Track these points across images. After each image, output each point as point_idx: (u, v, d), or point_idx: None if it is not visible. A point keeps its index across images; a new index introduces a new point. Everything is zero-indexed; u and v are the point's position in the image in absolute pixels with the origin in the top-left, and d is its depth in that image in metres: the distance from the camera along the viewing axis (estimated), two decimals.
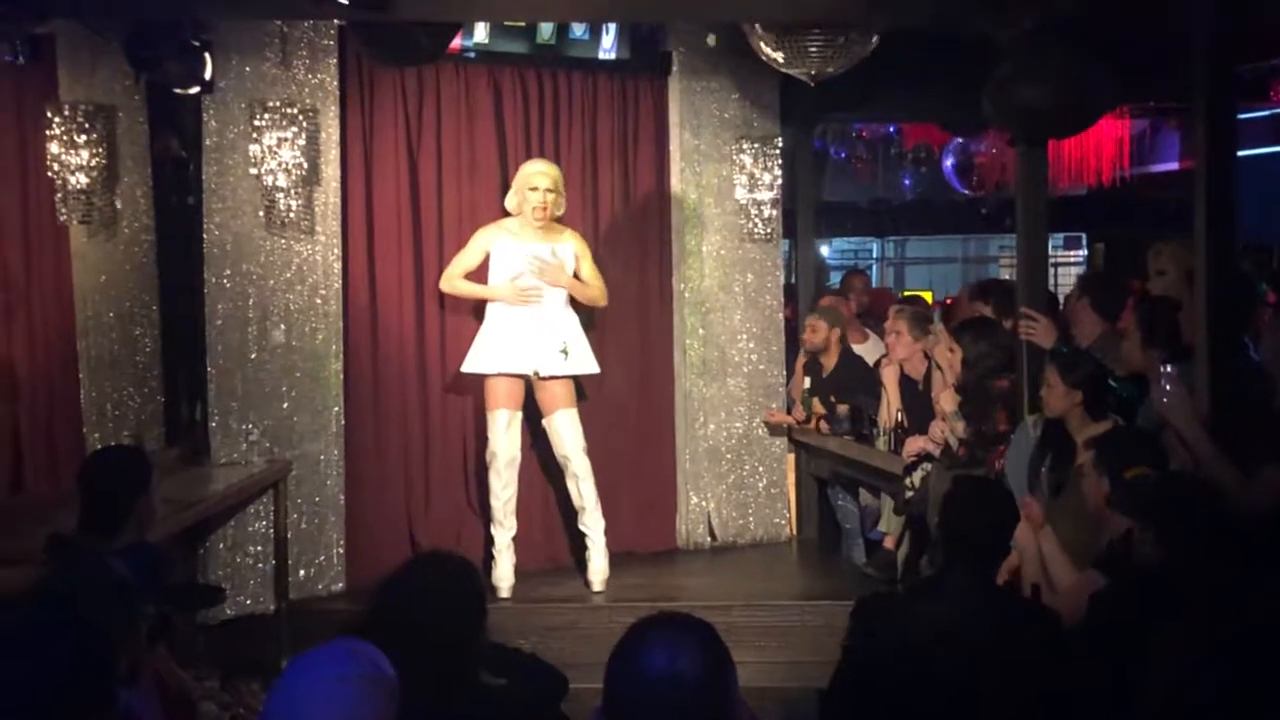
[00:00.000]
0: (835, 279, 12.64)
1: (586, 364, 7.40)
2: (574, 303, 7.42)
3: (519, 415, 7.30)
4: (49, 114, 6.70)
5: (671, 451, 8.35)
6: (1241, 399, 4.92)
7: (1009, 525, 4.16)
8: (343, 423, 7.48)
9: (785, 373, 8.62)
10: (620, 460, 7.99)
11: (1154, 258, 5.82)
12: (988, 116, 6.34)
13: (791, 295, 9.29)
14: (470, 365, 7.31)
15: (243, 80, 7.17)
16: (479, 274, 7.42)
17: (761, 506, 8.48)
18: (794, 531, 8.60)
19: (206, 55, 6.71)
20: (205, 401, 7.27)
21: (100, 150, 6.76)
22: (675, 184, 8.29)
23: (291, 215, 7.16)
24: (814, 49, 6.20)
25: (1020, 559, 4.75)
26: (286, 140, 7.06)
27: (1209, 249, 5.07)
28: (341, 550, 7.45)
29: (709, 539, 8.36)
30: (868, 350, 8.56)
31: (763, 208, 8.30)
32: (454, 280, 7.44)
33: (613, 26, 8.00)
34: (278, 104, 7.08)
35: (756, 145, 8.26)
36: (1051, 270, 9.26)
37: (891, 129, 14.64)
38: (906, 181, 15.43)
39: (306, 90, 7.28)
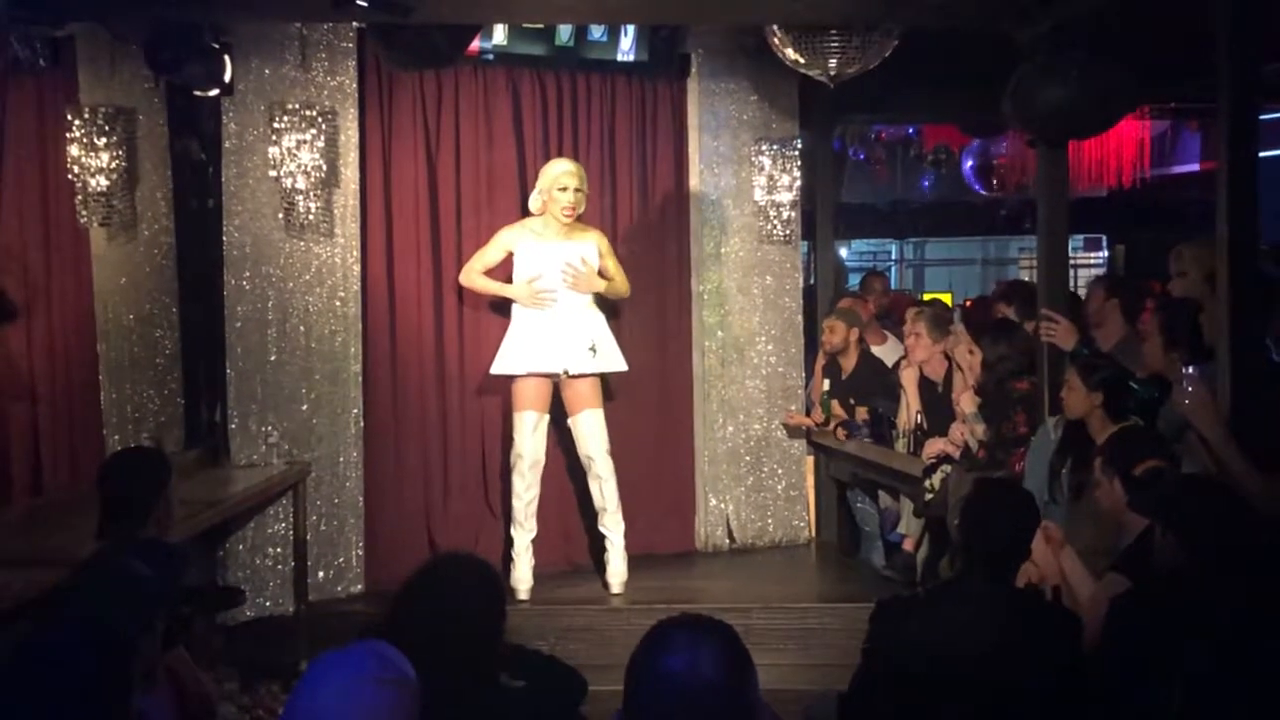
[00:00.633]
0: (854, 281, 12.62)
1: (615, 361, 7.39)
2: (598, 299, 7.42)
3: (546, 418, 7.29)
4: (69, 117, 6.73)
5: (690, 454, 8.34)
6: (1263, 401, 4.89)
7: (1030, 527, 4.14)
8: (362, 425, 7.49)
9: (804, 374, 8.60)
10: (639, 462, 7.98)
11: (1175, 259, 5.78)
12: (1008, 117, 6.32)
13: (811, 297, 9.28)
14: (499, 367, 7.30)
15: (262, 82, 7.18)
16: (500, 273, 7.42)
17: (780, 509, 8.46)
18: (813, 534, 8.58)
19: (226, 58, 6.74)
20: (225, 403, 7.28)
21: (120, 153, 6.79)
22: (694, 186, 8.28)
23: (311, 217, 7.17)
24: (833, 50, 6.19)
25: (1040, 572, 4.72)
26: (306, 142, 7.07)
27: (1231, 250, 5.04)
28: (360, 552, 7.46)
29: (728, 541, 8.35)
30: (886, 352, 8.54)
31: (781, 209, 8.29)
32: (472, 275, 7.44)
33: (631, 28, 8.00)
34: (297, 106, 7.10)
35: (775, 147, 8.24)
36: (1071, 272, 9.22)
37: (911, 130, 14.63)
38: (925, 183, 15.44)
39: (325, 92, 7.29)
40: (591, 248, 7.34)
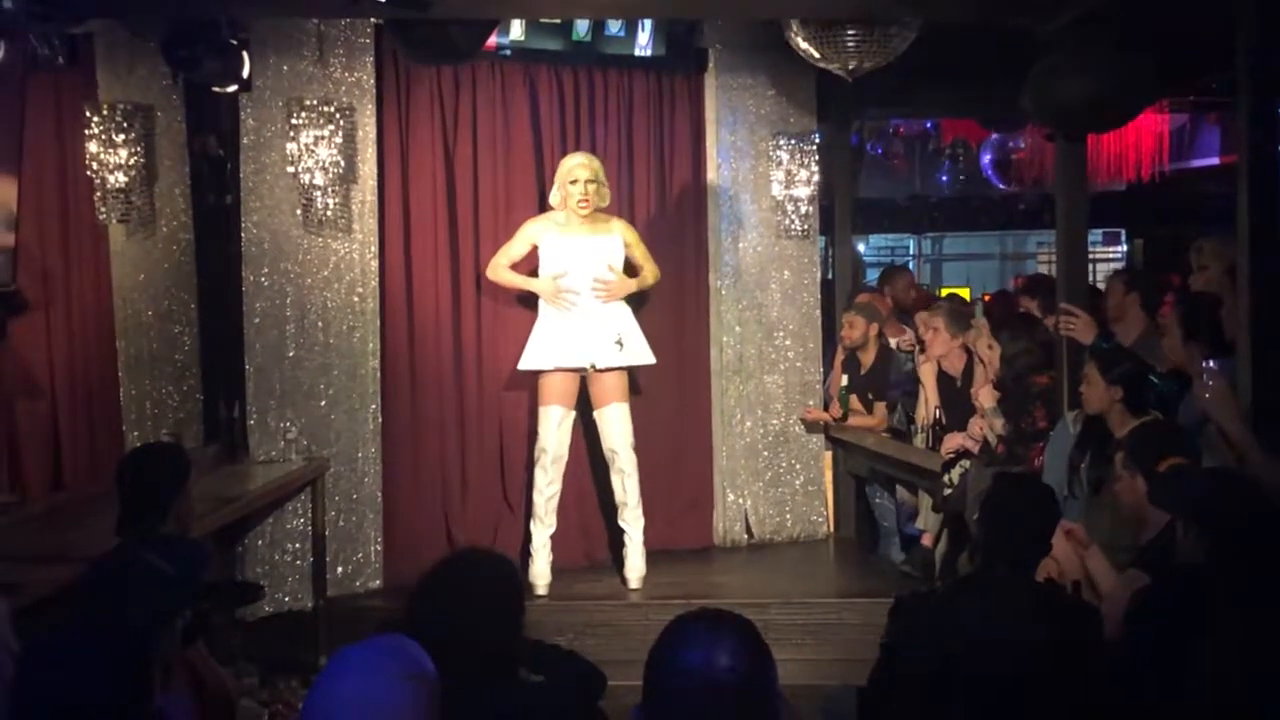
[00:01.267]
0: (872, 276, 12.59)
1: (642, 355, 7.39)
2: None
3: (572, 414, 7.30)
4: (88, 114, 6.74)
5: (708, 449, 8.33)
6: None
7: (1051, 522, 4.12)
8: (380, 420, 7.50)
9: (823, 370, 8.59)
10: (657, 457, 7.96)
11: (1196, 254, 5.77)
12: (1027, 111, 6.31)
13: (828, 292, 9.26)
14: (526, 362, 7.31)
15: (280, 79, 7.20)
16: (525, 266, 7.43)
17: (799, 504, 8.45)
18: (831, 529, 8.57)
19: (244, 54, 6.73)
20: (243, 399, 7.29)
21: (139, 149, 6.80)
22: (712, 180, 8.27)
23: (329, 213, 7.18)
24: (851, 44, 6.17)
25: (1059, 567, 4.71)
26: (323, 138, 7.08)
27: (1251, 244, 5.02)
28: (379, 547, 7.47)
29: (746, 537, 8.34)
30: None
31: (799, 204, 8.27)
32: (499, 269, 7.44)
33: (649, 23, 7.99)
34: (315, 102, 7.11)
35: (793, 141, 8.23)
36: (1090, 266, 9.20)
37: (929, 125, 14.60)
38: (944, 177, 15.39)
39: (343, 88, 7.30)
40: (616, 240, 7.34)
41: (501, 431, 7.89)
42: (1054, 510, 4.18)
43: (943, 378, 7.48)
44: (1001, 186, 14.57)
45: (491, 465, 7.90)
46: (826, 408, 8.49)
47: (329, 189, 7.15)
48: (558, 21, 7.75)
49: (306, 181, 7.12)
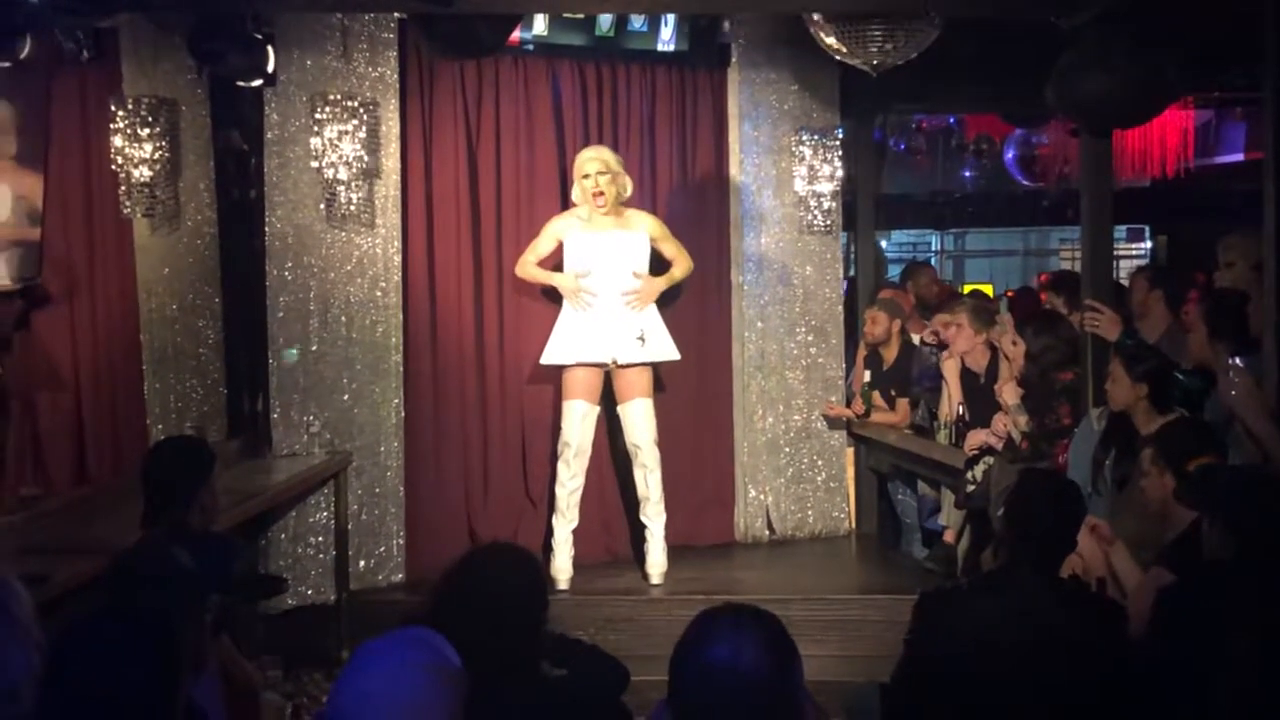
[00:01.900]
0: (894, 272, 12.56)
1: (665, 350, 7.39)
2: None
3: (596, 409, 7.30)
4: (112, 107, 6.75)
5: (730, 445, 8.31)
6: None
7: (1076, 518, 4.10)
8: (402, 414, 7.51)
9: (845, 366, 8.57)
10: (678, 453, 7.96)
11: (1223, 250, 5.75)
12: (1051, 107, 6.29)
13: (851, 288, 9.24)
14: (549, 357, 7.32)
15: (304, 73, 7.21)
16: (551, 262, 7.45)
17: (820, 500, 8.43)
18: (853, 525, 8.55)
19: (268, 48, 6.74)
20: (267, 393, 7.32)
21: (163, 143, 6.81)
22: (734, 176, 8.26)
23: (352, 208, 7.20)
24: (875, 39, 6.15)
25: (1084, 564, 4.69)
26: (347, 133, 7.09)
27: (1277, 241, 5.00)
28: (401, 541, 7.48)
29: (767, 533, 8.33)
30: None
31: (822, 199, 8.24)
32: (527, 266, 7.47)
33: (671, 18, 7.99)
34: (338, 97, 7.12)
35: (816, 137, 8.20)
36: (1114, 263, 9.17)
37: (952, 120, 14.57)
38: (967, 173, 15.34)
39: (367, 83, 7.31)
40: (642, 237, 7.34)
41: (524, 425, 7.90)
42: (1079, 507, 4.15)
43: (966, 374, 7.47)
44: (1025, 182, 14.53)
45: (514, 459, 7.91)
46: (849, 404, 8.47)
47: (352, 183, 7.16)
48: (581, 16, 7.75)
49: (330, 176, 7.13)
